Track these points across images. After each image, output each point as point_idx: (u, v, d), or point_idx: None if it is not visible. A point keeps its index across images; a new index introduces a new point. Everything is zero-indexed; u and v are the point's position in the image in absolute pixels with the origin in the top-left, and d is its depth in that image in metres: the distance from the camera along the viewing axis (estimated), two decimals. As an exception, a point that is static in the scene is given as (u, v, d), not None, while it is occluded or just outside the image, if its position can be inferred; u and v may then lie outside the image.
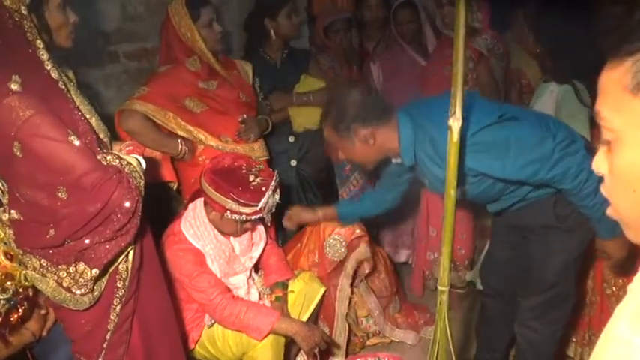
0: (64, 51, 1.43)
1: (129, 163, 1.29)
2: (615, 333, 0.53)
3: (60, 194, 1.20)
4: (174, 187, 2.26)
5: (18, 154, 1.17)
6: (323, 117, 1.70)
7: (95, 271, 1.27)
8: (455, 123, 1.26)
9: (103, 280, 1.34)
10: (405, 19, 2.76)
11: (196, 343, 1.94)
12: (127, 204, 1.22)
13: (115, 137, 1.78)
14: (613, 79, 0.50)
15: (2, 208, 1.32)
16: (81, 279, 1.27)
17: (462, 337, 2.42)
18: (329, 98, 1.71)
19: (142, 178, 1.31)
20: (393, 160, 1.71)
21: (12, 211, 1.28)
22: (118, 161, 1.28)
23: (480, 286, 2.67)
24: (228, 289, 1.89)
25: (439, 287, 1.42)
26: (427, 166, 1.58)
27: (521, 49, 2.71)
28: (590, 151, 1.42)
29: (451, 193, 1.33)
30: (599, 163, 0.58)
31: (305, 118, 2.55)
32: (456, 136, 1.27)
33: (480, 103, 1.56)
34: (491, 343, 2.11)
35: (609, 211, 0.58)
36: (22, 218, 1.27)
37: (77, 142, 1.20)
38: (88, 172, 1.19)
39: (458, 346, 2.33)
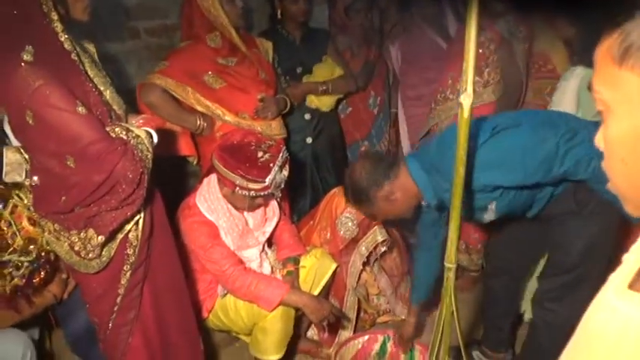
0: (86, 26, 1.46)
1: (137, 136, 1.32)
2: (603, 299, 0.54)
3: (69, 163, 1.25)
4: (195, 162, 2.31)
5: (30, 122, 1.22)
6: (346, 199, 1.86)
7: (101, 238, 1.33)
8: (466, 99, 1.27)
9: (113, 246, 1.40)
10: (426, 0, 2.72)
11: (210, 312, 2.01)
12: (131, 175, 1.26)
13: (135, 111, 1.84)
14: (603, 51, 0.50)
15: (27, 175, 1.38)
16: (89, 244, 1.33)
17: (472, 319, 2.44)
18: (347, 179, 1.78)
19: (150, 150, 1.34)
20: (423, 203, 1.74)
21: (33, 178, 1.34)
22: (125, 133, 1.31)
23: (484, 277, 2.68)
24: (241, 262, 1.93)
25: (446, 264, 1.43)
26: (448, 198, 1.58)
27: (549, 32, 2.61)
28: None
29: (460, 170, 1.34)
30: (599, 139, 0.59)
31: (320, 102, 2.58)
32: (466, 112, 1.27)
33: (473, 123, 1.56)
34: (496, 322, 2.12)
35: (609, 186, 0.58)
36: (39, 184, 1.32)
37: (85, 113, 1.23)
38: (94, 142, 1.23)
39: (467, 327, 2.35)
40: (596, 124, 0.59)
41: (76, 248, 1.34)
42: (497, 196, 1.59)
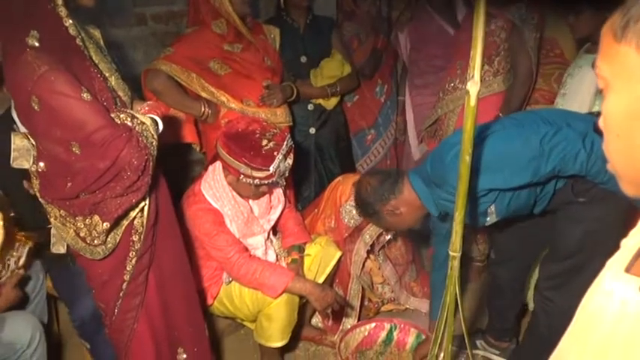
0: (92, 11, 1.45)
1: (142, 123, 1.31)
2: (600, 283, 0.55)
3: (74, 149, 1.25)
4: (198, 149, 2.31)
5: (36, 108, 1.21)
6: (357, 213, 2.00)
7: (106, 225, 1.33)
8: (473, 87, 1.25)
9: (118, 233, 1.40)
10: None
11: (214, 299, 2.02)
12: (135, 162, 1.25)
13: (142, 98, 1.83)
14: (606, 28, 0.51)
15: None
16: (94, 231, 1.33)
17: (477, 308, 2.44)
18: (354, 197, 1.92)
19: (155, 137, 1.33)
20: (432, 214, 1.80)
21: (40, 163, 1.34)
22: (130, 120, 1.30)
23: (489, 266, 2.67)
24: (246, 249, 1.94)
25: (450, 252, 1.43)
26: (450, 208, 1.62)
27: (557, 16, 2.57)
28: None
29: (466, 159, 1.32)
30: (601, 120, 0.58)
31: (326, 102, 2.58)
32: (473, 100, 1.26)
33: (456, 134, 1.57)
34: (501, 312, 2.12)
35: (609, 166, 0.58)
36: (46, 170, 1.33)
37: (89, 99, 1.22)
38: (98, 129, 1.22)
39: (472, 316, 2.35)
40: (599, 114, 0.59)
41: (82, 234, 1.35)
42: (494, 200, 1.62)
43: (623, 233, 0.58)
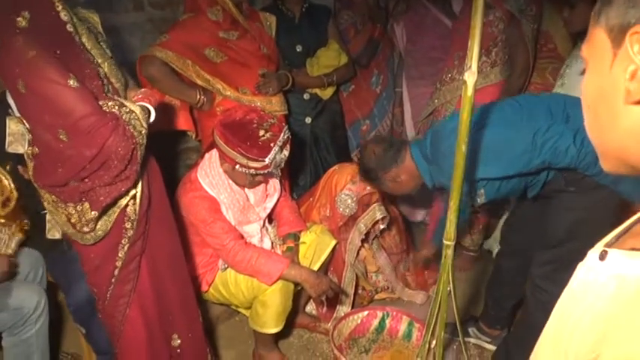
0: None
1: (130, 111, 1.30)
2: (587, 260, 0.57)
3: (61, 136, 1.24)
4: (193, 136, 2.31)
5: (22, 91, 1.20)
6: (359, 174, 2.09)
7: (94, 213, 1.33)
8: (470, 77, 1.26)
9: (110, 220, 1.40)
10: None
11: (210, 286, 2.03)
12: (122, 151, 1.25)
13: (139, 84, 1.82)
14: (592, 13, 0.54)
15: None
16: (83, 218, 1.33)
17: (470, 297, 2.47)
18: (360, 158, 2.03)
19: (144, 126, 1.32)
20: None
21: (34, 148, 1.34)
22: (117, 108, 1.29)
23: (495, 255, 2.69)
24: (242, 236, 1.95)
25: (445, 241, 1.44)
26: (446, 184, 1.67)
27: (551, 9, 2.57)
28: None
29: (462, 148, 1.33)
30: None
31: (322, 92, 2.58)
32: (470, 90, 1.26)
33: (454, 118, 1.61)
34: (499, 302, 2.14)
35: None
36: (39, 155, 1.32)
37: (77, 86, 1.21)
38: (84, 117, 1.21)
39: (464, 305, 2.38)
40: None
41: (73, 220, 1.35)
42: (484, 185, 1.68)
43: (612, 225, 0.60)
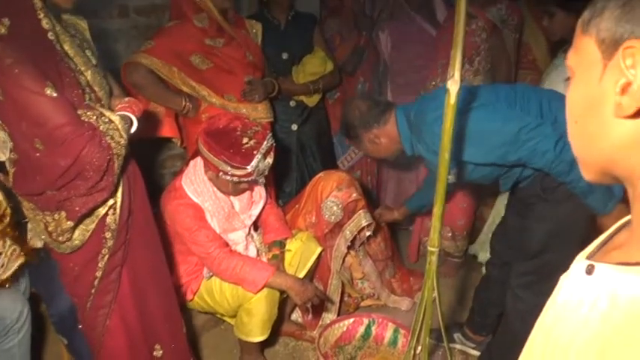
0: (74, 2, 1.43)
1: (109, 121, 1.29)
2: (571, 272, 0.57)
3: (37, 145, 1.22)
4: (179, 144, 2.30)
5: (0, 97, 1.19)
6: (340, 129, 2.03)
7: (70, 223, 1.31)
8: (453, 86, 1.27)
9: (87, 230, 1.38)
10: None
11: (195, 294, 2.02)
12: (97, 162, 1.24)
13: (125, 91, 1.81)
14: (579, 21, 0.53)
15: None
16: (59, 228, 1.32)
17: (455, 303, 2.48)
18: (342, 113, 1.98)
19: (123, 136, 1.31)
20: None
21: (15, 154, 1.32)
22: (95, 118, 1.27)
23: (480, 259, 2.71)
24: (227, 244, 1.94)
25: (429, 248, 1.45)
26: (425, 155, 1.72)
27: (531, 21, 2.63)
28: None
29: (445, 156, 1.35)
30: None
31: (308, 100, 2.60)
32: (453, 98, 1.28)
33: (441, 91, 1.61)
34: (486, 309, 2.16)
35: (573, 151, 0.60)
36: (18, 162, 1.31)
37: (54, 95, 1.20)
38: (60, 126, 1.20)
39: (449, 311, 2.40)
40: None
41: (50, 229, 1.33)
42: (456, 165, 1.67)
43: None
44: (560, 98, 1.75)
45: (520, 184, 1.79)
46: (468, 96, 1.61)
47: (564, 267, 0.60)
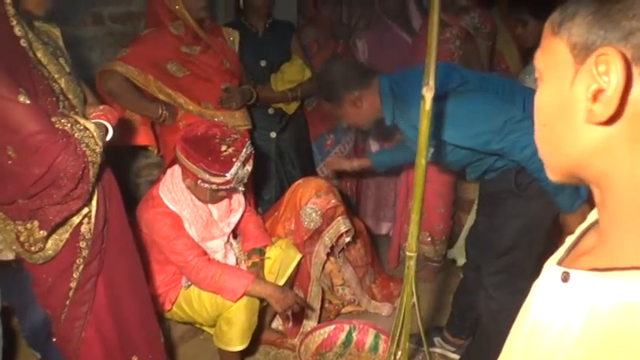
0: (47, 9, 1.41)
1: (84, 128, 1.27)
2: (544, 279, 0.57)
3: (9, 152, 1.20)
4: (155, 152, 2.27)
5: None
6: (319, 91, 1.93)
7: (43, 232, 1.29)
8: (428, 93, 1.30)
9: (61, 239, 1.36)
10: None
11: (173, 304, 1.99)
12: (71, 170, 1.22)
13: (101, 100, 1.78)
14: (548, 22, 0.53)
15: None
16: (31, 237, 1.29)
17: (434, 308, 2.50)
18: (318, 74, 1.92)
19: (98, 144, 1.30)
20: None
21: None
22: (70, 125, 1.26)
23: (459, 264, 2.74)
24: (205, 253, 1.92)
25: (407, 253, 1.47)
26: (404, 129, 1.71)
27: (504, 30, 2.69)
28: None
29: (422, 161, 1.37)
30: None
31: (287, 107, 2.60)
32: (428, 104, 1.30)
33: (442, 69, 1.59)
34: (464, 312, 2.18)
35: (539, 154, 0.60)
36: None
37: (27, 102, 1.18)
38: (34, 134, 1.18)
39: (429, 316, 2.41)
40: None
41: (22, 239, 1.30)
42: (434, 144, 1.67)
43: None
44: (528, 92, 1.79)
45: (486, 176, 1.81)
46: (459, 77, 1.64)
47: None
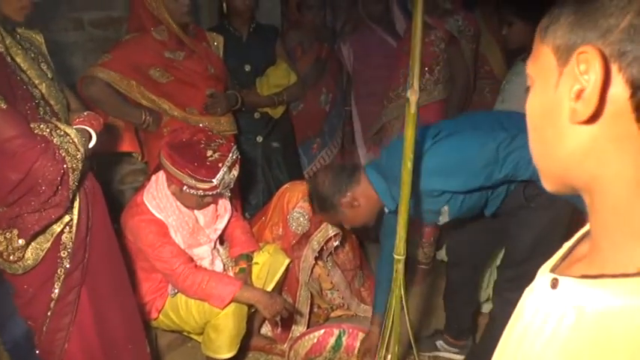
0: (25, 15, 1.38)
1: (65, 134, 1.25)
2: (535, 286, 0.58)
3: None
4: (139, 158, 2.24)
5: None
6: (312, 208, 1.93)
7: (22, 241, 1.26)
8: (412, 95, 1.30)
9: (42, 249, 1.33)
10: (372, 0, 2.75)
11: (160, 312, 1.96)
12: (49, 176, 1.20)
13: (84, 107, 1.75)
14: (538, 29, 0.53)
15: None
16: (10, 247, 1.26)
17: (425, 311, 2.50)
18: (309, 190, 1.90)
19: (79, 150, 1.27)
20: (386, 210, 1.79)
21: None
22: (49, 131, 1.24)
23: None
24: (191, 260, 1.90)
25: (395, 256, 1.47)
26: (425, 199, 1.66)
27: (487, 32, 2.72)
28: None
29: (408, 164, 1.37)
30: None
31: (273, 111, 2.58)
32: (413, 108, 1.30)
33: (420, 132, 1.57)
34: (457, 312, 2.18)
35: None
36: None
37: (4, 107, 1.16)
38: (11, 139, 1.17)
39: (420, 320, 2.41)
40: None
41: (0, 248, 1.27)
42: (448, 200, 1.65)
43: (570, 238, 0.61)
44: (517, 112, 1.80)
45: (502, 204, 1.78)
46: (432, 131, 1.61)
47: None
